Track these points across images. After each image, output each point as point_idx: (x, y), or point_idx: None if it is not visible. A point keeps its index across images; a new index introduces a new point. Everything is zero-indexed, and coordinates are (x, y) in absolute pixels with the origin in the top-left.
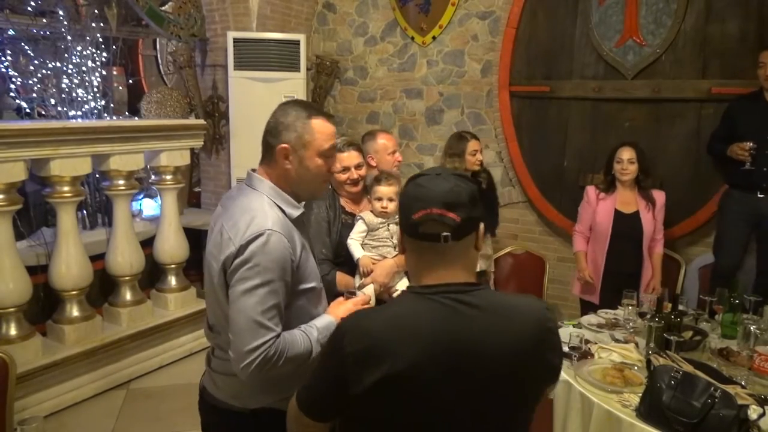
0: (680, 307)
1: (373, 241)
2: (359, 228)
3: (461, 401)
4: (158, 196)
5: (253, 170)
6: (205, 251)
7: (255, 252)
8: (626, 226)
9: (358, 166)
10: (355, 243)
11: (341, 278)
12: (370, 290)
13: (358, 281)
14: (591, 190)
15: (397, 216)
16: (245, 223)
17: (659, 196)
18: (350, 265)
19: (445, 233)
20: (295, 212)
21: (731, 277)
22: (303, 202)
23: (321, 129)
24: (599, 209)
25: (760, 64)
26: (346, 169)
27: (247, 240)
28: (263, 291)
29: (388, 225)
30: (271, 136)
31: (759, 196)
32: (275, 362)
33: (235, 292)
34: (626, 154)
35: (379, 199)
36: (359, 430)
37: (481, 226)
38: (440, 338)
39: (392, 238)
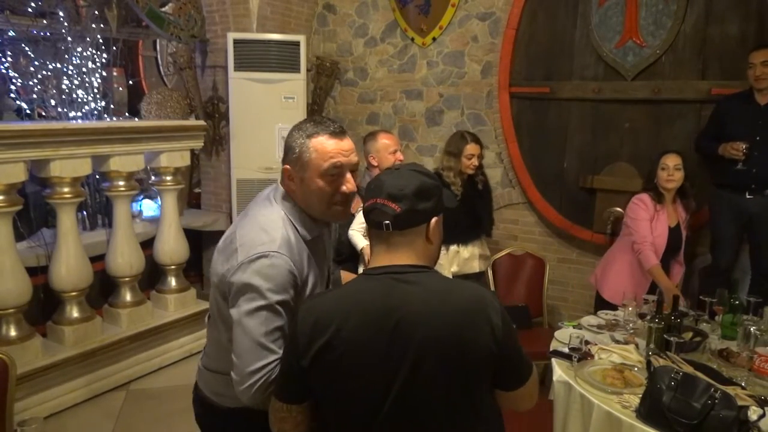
0: (680, 308)
1: None
2: (360, 219)
3: (401, 370)
4: (158, 197)
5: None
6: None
7: (256, 273)
8: (672, 240)
9: None
10: (357, 234)
11: (346, 276)
12: None
13: (362, 271)
14: (647, 199)
15: None
16: (254, 240)
17: (691, 204)
18: (353, 261)
19: (386, 221)
20: (308, 235)
21: (728, 275)
22: (321, 225)
23: (320, 148)
24: (657, 222)
25: (749, 65)
26: None
27: (250, 258)
28: (265, 313)
29: None
30: (282, 157)
31: (747, 196)
32: None
33: (237, 312)
34: (672, 160)
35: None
36: (321, 405)
37: (434, 220)
38: (378, 309)
39: None
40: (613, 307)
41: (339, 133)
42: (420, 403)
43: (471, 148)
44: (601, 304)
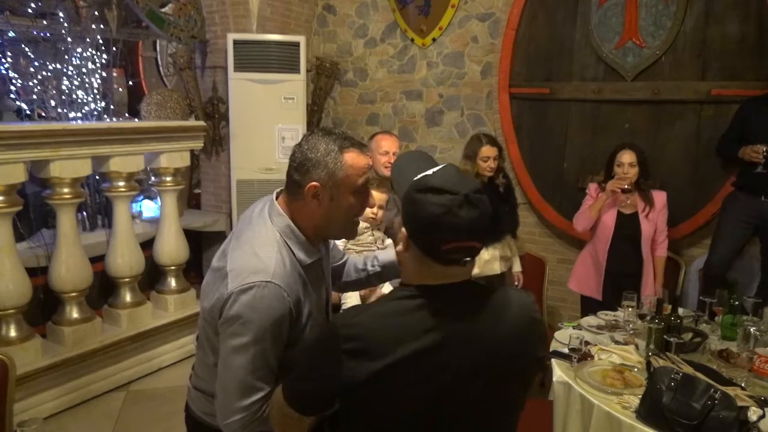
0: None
1: (357, 246)
2: (360, 237)
3: (453, 393)
4: (158, 198)
5: (279, 193)
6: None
7: (246, 306)
8: (627, 228)
9: None
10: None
11: None
12: (355, 299)
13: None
14: (594, 189)
15: (381, 224)
16: (245, 266)
17: (659, 197)
18: None
19: (467, 258)
20: (307, 259)
21: (722, 274)
22: (319, 248)
23: (355, 164)
24: (602, 209)
25: None
26: None
27: (240, 288)
28: (253, 350)
29: (372, 231)
30: (298, 173)
31: (763, 200)
32: (262, 420)
33: (224, 346)
34: (627, 157)
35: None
36: (354, 423)
37: None
38: (428, 334)
39: (376, 243)
40: (592, 302)
41: (364, 146)
42: (466, 424)
43: (486, 150)
44: (586, 304)
